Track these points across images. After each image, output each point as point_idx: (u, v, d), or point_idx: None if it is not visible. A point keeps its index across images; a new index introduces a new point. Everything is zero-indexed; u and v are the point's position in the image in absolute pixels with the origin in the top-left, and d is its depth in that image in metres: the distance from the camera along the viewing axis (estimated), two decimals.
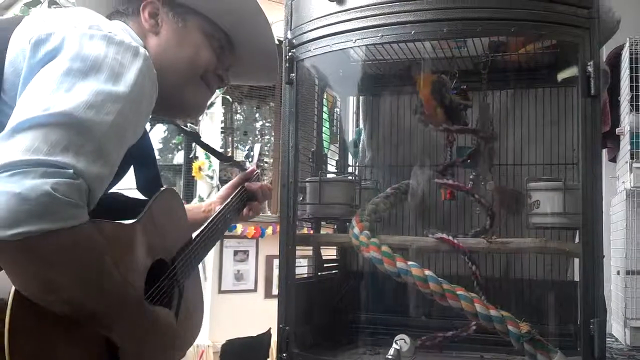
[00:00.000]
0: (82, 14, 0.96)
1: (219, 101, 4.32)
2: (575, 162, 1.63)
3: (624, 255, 2.18)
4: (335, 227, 1.84)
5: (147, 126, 1.06)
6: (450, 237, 1.49)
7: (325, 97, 1.89)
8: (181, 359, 1.12)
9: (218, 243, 4.06)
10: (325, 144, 1.89)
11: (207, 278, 4.04)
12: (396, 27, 1.36)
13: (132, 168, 1.08)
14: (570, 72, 1.54)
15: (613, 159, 2.81)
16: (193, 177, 4.28)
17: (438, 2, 1.33)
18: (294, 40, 1.53)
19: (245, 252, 4.27)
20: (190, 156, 4.49)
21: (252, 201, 1.46)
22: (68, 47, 0.86)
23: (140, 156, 1.06)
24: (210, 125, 4.26)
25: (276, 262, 1.55)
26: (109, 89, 0.85)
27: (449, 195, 1.61)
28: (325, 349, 1.60)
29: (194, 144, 4.41)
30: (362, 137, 1.93)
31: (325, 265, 1.81)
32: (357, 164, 1.94)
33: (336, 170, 1.92)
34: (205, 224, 1.25)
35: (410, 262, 1.44)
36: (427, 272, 1.42)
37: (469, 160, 1.62)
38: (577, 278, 1.47)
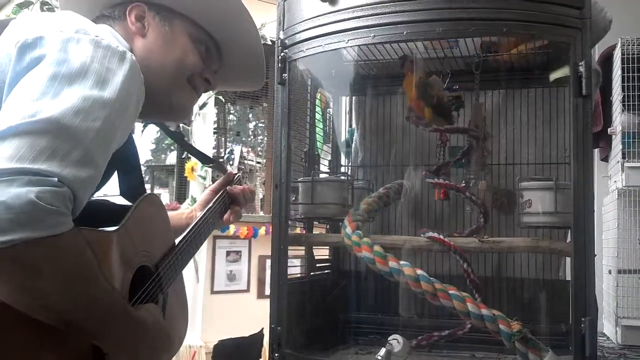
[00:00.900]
0: (68, 17, 0.95)
1: (211, 102, 4.30)
2: (567, 161, 1.63)
3: (616, 254, 2.19)
4: (328, 227, 1.84)
5: (139, 128, 1.06)
6: (442, 237, 1.50)
7: (318, 97, 1.89)
8: None
9: (211, 243, 4.06)
10: (318, 144, 1.89)
11: (199, 278, 4.03)
12: (388, 28, 1.36)
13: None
14: (562, 72, 1.55)
15: (605, 159, 2.82)
16: (186, 177, 4.26)
17: (430, 3, 1.34)
18: (286, 41, 1.53)
19: (238, 253, 4.26)
20: (183, 157, 4.47)
21: (235, 205, 1.43)
22: (54, 52, 0.85)
23: (124, 161, 1.04)
24: (203, 125, 4.24)
25: (269, 262, 1.55)
26: (96, 94, 0.84)
27: (442, 195, 1.61)
28: (317, 349, 1.60)
29: None
30: (354, 137, 1.93)
31: (317, 265, 1.81)
32: (350, 164, 1.94)
33: (329, 170, 1.92)
34: (188, 229, 1.23)
35: (402, 262, 1.44)
36: (419, 272, 1.42)
37: (462, 160, 1.62)
38: (568, 277, 1.47)
